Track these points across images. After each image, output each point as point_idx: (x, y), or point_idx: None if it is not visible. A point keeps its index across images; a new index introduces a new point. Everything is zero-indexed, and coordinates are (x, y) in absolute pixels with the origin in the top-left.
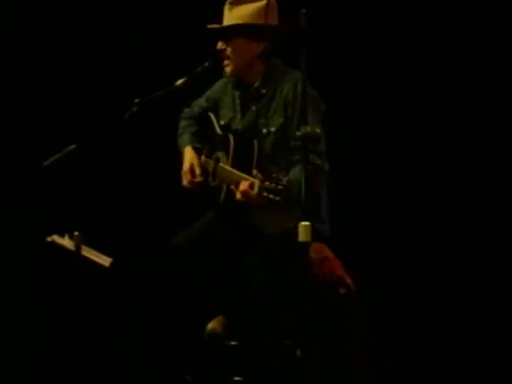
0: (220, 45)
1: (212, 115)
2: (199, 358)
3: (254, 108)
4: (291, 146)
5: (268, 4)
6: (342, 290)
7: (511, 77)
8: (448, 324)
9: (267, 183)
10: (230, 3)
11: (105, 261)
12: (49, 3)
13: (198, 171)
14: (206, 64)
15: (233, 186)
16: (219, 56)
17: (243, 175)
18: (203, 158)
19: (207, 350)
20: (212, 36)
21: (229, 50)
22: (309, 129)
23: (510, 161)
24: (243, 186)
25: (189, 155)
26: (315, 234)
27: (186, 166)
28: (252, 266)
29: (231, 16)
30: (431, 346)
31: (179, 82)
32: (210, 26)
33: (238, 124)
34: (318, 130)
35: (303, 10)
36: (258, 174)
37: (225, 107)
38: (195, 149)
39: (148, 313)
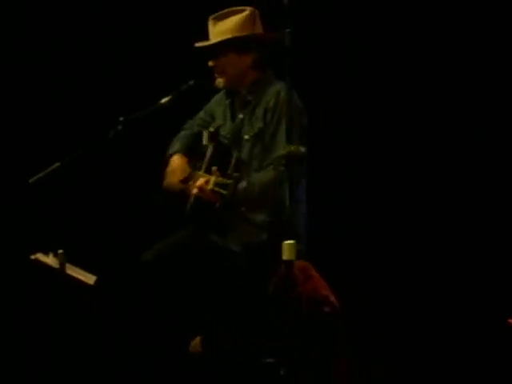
0: (211, 63)
1: (204, 131)
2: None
3: (240, 116)
4: (265, 152)
5: (251, 14)
6: (327, 309)
7: (511, 76)
8: (444, 328)
9: (220, 179)
10: (214, 19)
11: (89, 279)
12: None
13: (179, 174)
14: (191, 82)
15: (190, 182)
16: (209, 71)
17: (204, 174)
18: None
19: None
20: (200, 53)
21: (220, 66)
22: (292, 148)
23: (508, 160)
24: (199, 181)
25: (175, 160)
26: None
27: (168, 169)
28: (216, 283)
29: (217, 31)
30: (424, 352)
31: (164, 99)
32: (198, 45)
33: (225, 131)
34: (303, 149)
35: (288, 30)
36: (217, 172)
37: (218, 117)
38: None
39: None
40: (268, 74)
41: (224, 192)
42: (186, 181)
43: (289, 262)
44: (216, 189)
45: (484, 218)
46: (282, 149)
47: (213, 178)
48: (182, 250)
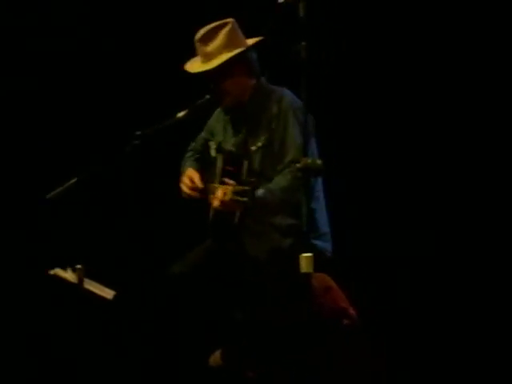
0: (214, 86)
1: (210, 143)
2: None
3: (243, 129)
4: (277, 159)
5: (232, 26)
6: (346, 321)
7: (510, 76)
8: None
9: (237, 187)
10: (200, 41)
11: (107, 293)
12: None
13: (196, 179)
14: (208, 96)
15: (211, 196)
16: (216, 91)
17: (218, 186)
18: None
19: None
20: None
21: (224, 86)
22: (309, 161)
23: (506, 159)
24: (218, 193)
25: (187, 171)
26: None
27: (183, 178)
28: (240, 293)
29: (210, 52)
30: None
31: (180, 114)
32: (197, 70)
33: (229, 146)
34: (319, 162)
35: (303, 43)
36: (231, 181)
37: (217, 134)
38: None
39: (150, 342)
40: (262, 80)
41: (244, 199)
42: (202, 194)
43: (307, 275)
44: (235, 197)
45: (483, 219)
46: (293, 151)
47: (230, 188)
48: (207, 262)
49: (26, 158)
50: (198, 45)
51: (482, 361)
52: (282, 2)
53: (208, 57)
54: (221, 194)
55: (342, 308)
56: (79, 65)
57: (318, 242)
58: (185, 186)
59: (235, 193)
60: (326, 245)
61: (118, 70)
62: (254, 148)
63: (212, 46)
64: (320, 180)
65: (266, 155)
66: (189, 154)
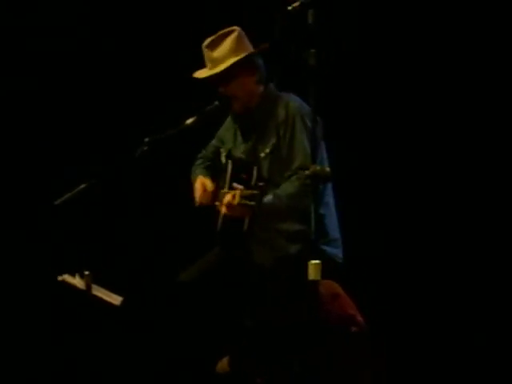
0: (222, 90)
1: (221, 149)
2: None
3: (252, 136)
4: (284, 165)
5: (238, 33)
6: (354, 329)
7: (509, 76)
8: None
9: (245, 191)
10: (207, 47)
11: (115, 300)
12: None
13: (208, 186)
14: (217, 102)
15: (217, 203)
16: (225, 97)
17: (228, 191)
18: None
19: None
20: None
21: (232, 90)
22: (318, 168)
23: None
24: (226, 198)
25: (199, 179)
26: (325, 258)
27: (196, 185)
28: (249, 300)
29: (217, 58)
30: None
31: (189, 120)
32: (204, 76)
33: (238, 153)
34: (328, 170)
35: (312, 50)
36: (239, 186)
37: (227, 142)
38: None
39: (160, 348)
40: (270, 87)
41: (252, 203)
42: (214, 200)
43: (315, 282)
44: (243, 201)
45: (482, 219)
46: (301, 157)
47: (238, 192)
48: (216, 270)
49: (34, 163)
50: (205, 51)
51: (481, 361)
52: (291, 10)
53: (215, 62)
54: (229, 198)
55: (350, 315)
56: (92, 72)
57: (327, 248)
58: (197, 192)
59: (243, 197)
60: (336, 251)
61: (129, 79)
62: (262, 155)
63: (219, 52)
64: (330, 185)
65: (274, 161)
66: (199, 161)
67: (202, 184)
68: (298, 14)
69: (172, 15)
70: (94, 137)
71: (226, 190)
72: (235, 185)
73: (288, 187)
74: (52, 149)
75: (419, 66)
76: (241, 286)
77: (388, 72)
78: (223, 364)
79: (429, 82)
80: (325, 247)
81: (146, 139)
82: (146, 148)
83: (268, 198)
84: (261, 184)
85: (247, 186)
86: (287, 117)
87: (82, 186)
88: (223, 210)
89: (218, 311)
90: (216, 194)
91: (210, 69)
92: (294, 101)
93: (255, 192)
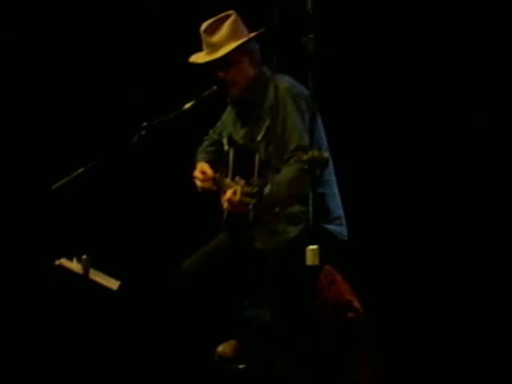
0: (221, 73)
1: (223, 133)
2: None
3: (248, 119)
4: (280, 146)
5: (235, 17)
6: (351, 314)
7: (509, 75)
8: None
9: (246, 188)
10: (206, 31)
11: (113, 284)
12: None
13: (208, 172)
14: (215, 87)
15: (221, 192)
16: (222, 81)
17: (231, 183)
18: (217, 176)
19: (215, 371)
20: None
21: (231, 75)
22: (316, 153)
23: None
24: (228, 194)
25: (199, 165)
26: (328, 237)
27: (195, 172)
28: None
29: (216, 43)
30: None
31: (187, 105)
32: (205, 60)
33: (238, 137)
34: (326, 155)
35: (311, 35)
36: (241, 181)
37: (228, 127)
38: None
39: (159, 333)
40: (263, 69)
41: (252, 201)
42: (216, 186)
43: (313, 268)
44: (244, 199)
45: (482, 219)
46: (296, 136)
47: (239, 188)
48: (222, 257)
49: (31, 147)
50: (203, 36)
51: (479, 361)
52: None
53: (214, 47)
54: (230, 194)
55: (347, 301)
56: (89, 56)
57: (330, 227)
58: (198, 180)
59: (244, 193)
60: (340, 228)
61: (126, 64)
62: (259, 138)
63: (218, 37)
64: (330, 163)
65: (269, 144)
66: (204, 144)
67: (201, 171)
68: None
69: (170, 5)
70: (92, 122)
71: (229, 179)
72: (237, 179)
73: (287, 172)
74: (50, 133)
75: (418, 54)
76: (244, 272)
77: (386, 60)
78: (225, 348)
79: (429, 71)
80: (327, 226)
81: (144, 124)
82: (143, 132)
83: (267, 189)
84: (258, 182)
85: (251, 174)
86: (278, 98)
87: (80, 170)
88: (225, 205)
89: (221, 297)
90: (219, 182)
91: (209, 54)
92: (284, 81)
93: (255, 190)
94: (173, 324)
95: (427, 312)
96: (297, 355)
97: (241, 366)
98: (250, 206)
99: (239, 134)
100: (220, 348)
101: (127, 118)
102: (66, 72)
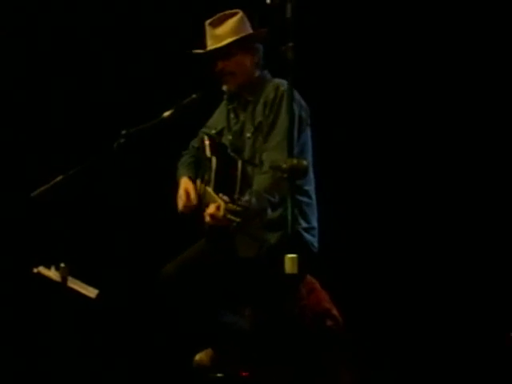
0: (221, 64)
1: (205, 136)
2: None
3: (242, 116)
4: (264, 142)
5: (243, 15)
6: (329, 322)
7: (508, 74)
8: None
9: (230, 205)
10: (210, 24)
11: (91, 292)
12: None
13: (192, 195)
14: (194, 95)
15: (204, 203)
16: (217, 76)
17: (214, 197)
18: (198, 182)
19: (193, 379)
20: (203, 60)
21: (231, 66)
22: (295, 161)
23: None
24: (211, 208)
25: (183, 183)
26: (303, 245)
27: (180, 191)
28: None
29: (219, 35)
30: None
31: (166, 113)
32: (208, 49)
33: (227, 134)
34: (305, 163)
35: (290, 44)
36: (224, 197)
37: (219, 124)
38: (191, 178)
39: (137, 340)
40: (264, 73)
41: (236, 219)
42: (199, 199)
43: (295, 276)
44: (228, 216)
45: (482, 220)
46: (282, 134)
47: (222, 205)
48: (203, 263)
49: (11, 155)
50: (208, 28)
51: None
52: (270, 3)
53: (217, 39)
54: (214, 209)
55: (326, 309)
56: (69, 62)
57: (306, 235)
58: (181, 202)
59: (228, 210)
60: (313, 239)
61: (107, 69)
62: (248, 135)
63: (222, 29)
64: (310, 174)
65: (257, 140)
66: (184, 156)
67: (185, 190)
68: (276, 7)
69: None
70: (71, 129)
71: (211, 188)
72: (221, 196)
73: (263, 181)
74: (29, 140)
75: (403, 57)
76: (224, 279)
77: (369, 64)
78: (202, 357)
79: (416, 72)
80: (304, 233)
81: (123, 131)
82: (123, 140)
83: (251, 206)
84: (243, 203)
85: (233, 183)
86: (275, 97)
87: (59, 178)
88: (207, 219)
89: (200, 304)
90: (201, 190)
91: (211, 45)
92: (285, 84)
93: (239, 209)
94: (152, 331)
95: (411, 319)
96: (276, 362)
97: (219, 375)
98: (234, 224)
99: (231, 130)
100: (197, 357)
101: (106, 125)
102: (44, 77)
